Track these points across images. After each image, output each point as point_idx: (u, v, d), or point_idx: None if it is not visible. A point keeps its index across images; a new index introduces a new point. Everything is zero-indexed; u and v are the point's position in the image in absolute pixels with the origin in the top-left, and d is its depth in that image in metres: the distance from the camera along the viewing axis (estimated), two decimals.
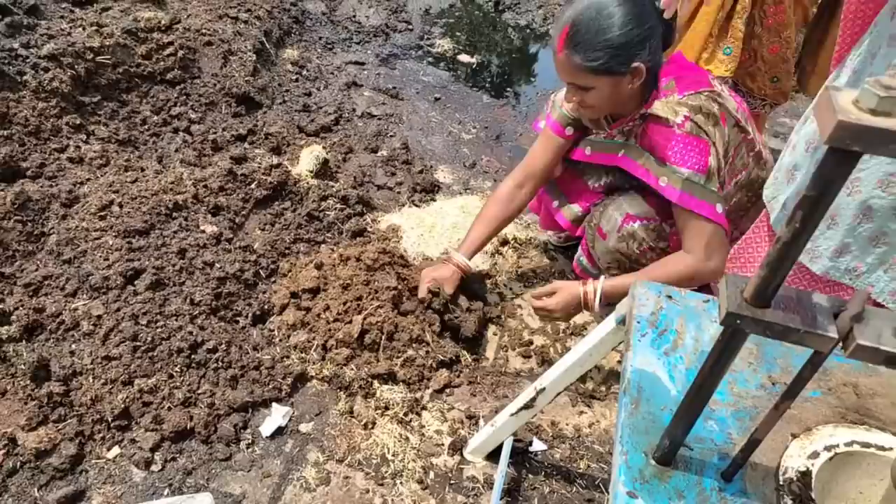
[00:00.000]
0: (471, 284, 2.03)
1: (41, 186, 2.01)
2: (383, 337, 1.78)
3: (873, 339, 0.62)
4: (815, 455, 0.88)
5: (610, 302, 1.77)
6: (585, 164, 1.94)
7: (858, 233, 1.33)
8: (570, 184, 2.04)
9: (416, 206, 2.49)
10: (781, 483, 0.84)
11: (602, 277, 1.79)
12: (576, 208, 2.01)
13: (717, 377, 0.74)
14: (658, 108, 1.65)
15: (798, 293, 0.66)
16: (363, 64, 3.50)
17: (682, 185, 1.63)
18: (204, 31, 2.86)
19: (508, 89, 3.60)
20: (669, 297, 1.10)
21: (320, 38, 3.63)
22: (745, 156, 1.77)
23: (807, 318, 0.64)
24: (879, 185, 1.25)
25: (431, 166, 2.77)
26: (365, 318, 1.77)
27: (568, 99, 1.70)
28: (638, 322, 1.04)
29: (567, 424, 1.76)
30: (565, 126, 1.89)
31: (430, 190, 2.60)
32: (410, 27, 4.02)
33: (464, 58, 3.83)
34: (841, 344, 0.64)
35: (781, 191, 1.53)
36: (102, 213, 1.97)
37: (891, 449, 0.89)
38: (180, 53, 2.67)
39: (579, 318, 2.08)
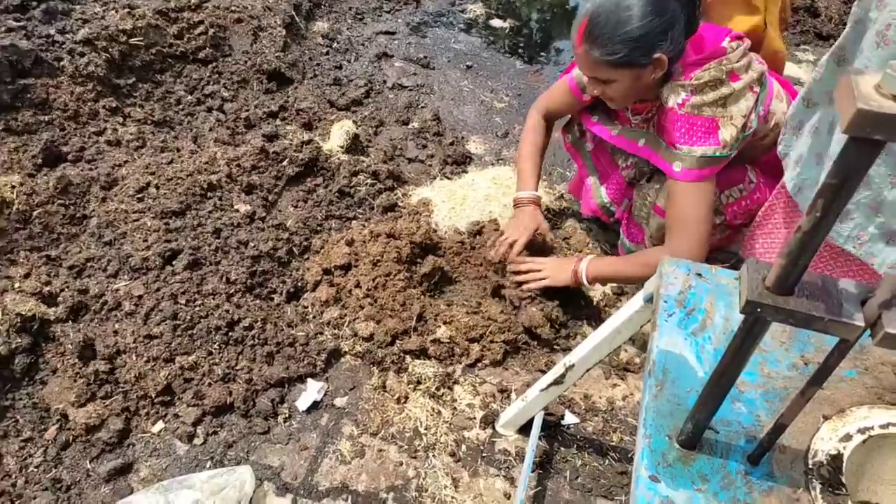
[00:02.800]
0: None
1: (81, 170, 2.07)
2: (414, 317, 1.80)
3: None
4: (847, 438, 0.85)
5: (594, 279, 1.83)
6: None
7: (858, 200, 1.29)
8: (602, 159, 2.02)
9: (448, 178, 2.48)
10: (811, 467, 0.82)
11: (588, 257, 1.83)
12: (604, 194, 2.00)
13: (740, 364, 0.72)
14: (664, 93, 1.61)
15: (824, 279, 0.64)
16: (393, 34, 3.46)
17: (699, 163, 1.60)
18: (233, 7, 2.86)
19: (542, 53, 3.51)
20: (699, 275, 1.07)
21: (350, 9, 3.60)
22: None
23: (832, 306, 0.61)
24: None
25: (463, 137, 2.74)
26: (393, 299, 1.80)
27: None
28: (665, 301, 1.02)
29: (600, 397, 1.76)
30: (584, 91, 1.86)
31: (462, 162, 2.57)
32: None
33: (496, 22, 3.74)
34: (869, 331, 0.62)
35: (791, 145, 1.50)
36: (140, 196, 2.02)
37: None
38: (211, 32, 2.68)
39: (609, 288, 2.05)
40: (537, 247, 2.00)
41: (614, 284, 2.05)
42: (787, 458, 0.84)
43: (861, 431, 0.87)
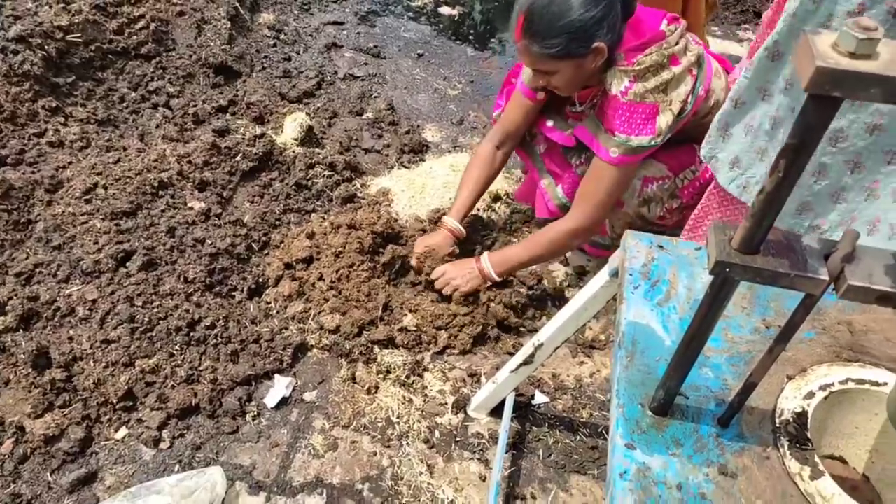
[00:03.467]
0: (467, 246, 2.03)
1: (23, 173, 1.98)
2: (380, 307, 1.79)
3: (864, 278, 0.61)
4: (810, 395, 0.88)
5: (503, 273, 1.84)
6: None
7: (817, 191, 1.32)
8: (555, 160, 2.01)
9: (406, 167, 2.46)
10: (778, 425, 0.85)
11: (485, 254, 1.86)
12: (560, 193, 1.98)
13: (709, 326, 0.73)
14: (608, 79, 1.62)
15: (788, 236, 0.65)
16: (342, 24, 3.42)
17: (632, 151, 1.63)
18: (175, 0, 2.77)
19: (493, 39, 3.51)
20: (661, 247, 1.09)
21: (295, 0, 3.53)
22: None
23: (797, 262, 0.63)
24: (829, 141, 1.23)
25: (418, 126, 2.73)
26: (358, 290, 1.79)
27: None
28: (630, 275, 1.03)
29: (568, 376, 1.78)
30: (536, 91, 1.85)
31: (419, 150, 2.56)
32: None
33: (445, 10, 3.73)
34: (833, 285, 0.64)
35: (719, 147, 1.48)
36: (87, 197, 1.95)
37: (885, 384, 0.90)
38: (152, 26, 2.60)
39: (572, 267, 2.08)
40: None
41: (576, 264, 2.08)
42: (755, 418, 0.87)
43: (822, 388, 0.90)
